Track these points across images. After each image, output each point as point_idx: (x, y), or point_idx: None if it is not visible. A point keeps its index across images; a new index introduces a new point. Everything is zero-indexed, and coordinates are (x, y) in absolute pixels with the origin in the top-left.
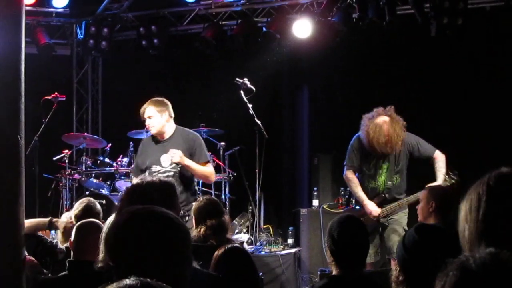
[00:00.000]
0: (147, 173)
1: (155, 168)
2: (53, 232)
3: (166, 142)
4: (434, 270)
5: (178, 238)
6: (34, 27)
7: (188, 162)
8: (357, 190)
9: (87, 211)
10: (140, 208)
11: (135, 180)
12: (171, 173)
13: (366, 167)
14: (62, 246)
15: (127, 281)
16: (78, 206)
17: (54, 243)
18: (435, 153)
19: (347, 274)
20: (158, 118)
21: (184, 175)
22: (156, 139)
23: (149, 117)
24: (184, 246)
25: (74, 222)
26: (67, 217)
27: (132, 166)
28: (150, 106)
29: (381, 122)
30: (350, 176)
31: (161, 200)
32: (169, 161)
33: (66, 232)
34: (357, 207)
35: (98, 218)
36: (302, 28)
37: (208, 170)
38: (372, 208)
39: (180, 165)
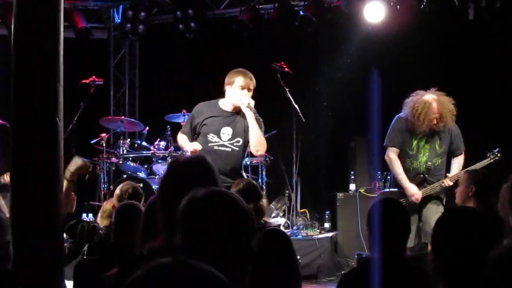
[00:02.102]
0: (201, 139)
1: (212, 138)
2: (88, 215)
3: (233, 117)
4: (464, 254)
5: (249, 221)
6: (72, 11)
7: (255, 115)
8: (399, 172)
9: (133, 193)
10: (214, 189)
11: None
12: (228, 149)
13: (408, 147)
14: (101, 226)
15: (164, 260)
16: (122, 187)
17: (92, 225)
18: (462, 152)
19: (387, 258)
20: (251, 94)
21: (238, 155)
22: (222, 108)
23: (249, 90)
24: (252, 230)
25: (116, 204)
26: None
27: (184, 121)
28: (252, 80)
29: (430, 99)
30: (393, 156)
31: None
32: (229, 135)
33: (105, 213)
34: (392, 189)
35: (141, 201)
36: (375, 12)
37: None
38: (414, 191)
39: (240, 142)
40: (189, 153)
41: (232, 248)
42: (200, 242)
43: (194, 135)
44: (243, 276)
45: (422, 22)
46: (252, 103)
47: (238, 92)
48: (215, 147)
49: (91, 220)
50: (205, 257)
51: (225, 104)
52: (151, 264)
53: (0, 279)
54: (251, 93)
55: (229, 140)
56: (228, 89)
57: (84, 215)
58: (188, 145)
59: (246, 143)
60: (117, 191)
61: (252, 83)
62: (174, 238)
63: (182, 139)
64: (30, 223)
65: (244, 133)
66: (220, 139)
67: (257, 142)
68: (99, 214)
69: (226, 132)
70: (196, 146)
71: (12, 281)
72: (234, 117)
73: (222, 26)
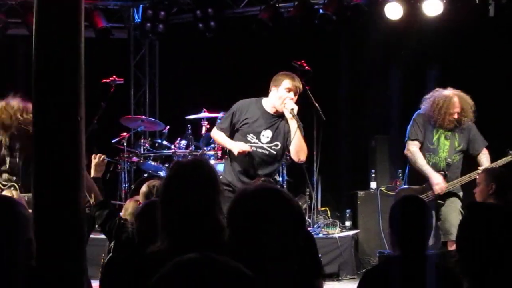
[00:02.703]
0: (239, 137)
1: (251, 138)
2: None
3: (275, 119)
4: (490, 251)
5: (300, 218)
6: (92, 11)
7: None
8: (423, 163)
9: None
10: (265, 185)
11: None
12: (266, 152)
13: (428, 141)
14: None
15: (191, 255)
16: (149, 184)
17: (122, 222)
18: (484, 147)
19: (409, 255)
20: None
21: (275, 159)
22: (266, 109)
23: (296, 94)
24: (301, 228)
25: (142, 201)
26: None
27: (221, 115)
28: (300, 82)
29: (451, 94)
30: (415, 149)
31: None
32: (269, 138)
33: (127, 211)
34: (412, 186)
35: None
36: (394, 10)
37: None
38: (439, 180)
39: (278, 146)
40: (235, 151)
41: (281, 245)
42: (248, 238)
43: (232, 132)
44: (289, 274)
45: (443, 20)
46: (296, 109)
47: (284, 94)
48: (253, 148)
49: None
50: (252, 254)
51: (268, 105)
52: (178, 259)
53: (25, 275)
54: (296, 98)
55: (268, 143)
56: (273, 90)
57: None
58: (232, 144)
59: (284, 148)
60: (144, 188)
61: (299, 87)
62: (174, 240)
63: (220, 136)
64: (52, 221)
65: (283, 138)
66: (260, 141)
67: (300, 149)
68: (122, 213)
69: (266, 134)
70: (245, 147)
71: (36, 277)
72: (276, 120)
73: (241, 25)
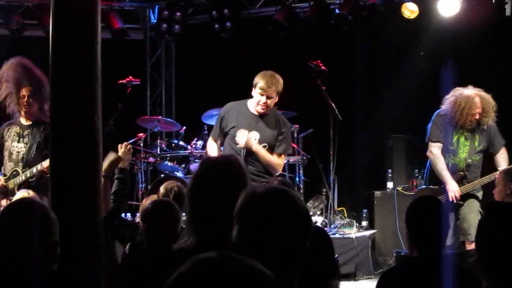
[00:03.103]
0: (228, 141)
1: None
2: (126, 215)
3: (261, 120)
4: (507, 249)
5: (306, 220)
6: (108, 12)
7: (256, 147)
8: (443, 168)
9: (178, 192)
10: (274, 186)
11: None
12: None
13: (448, 142)
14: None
15: (209, 253)
16: (167, 186)
17: (134, 225)
18: (503, 147)
19: (427, 255)
20: (273, 99)
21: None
22: (251, 111)
23: (269, 97)
24: (308, 230)
25: None
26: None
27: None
28: (273, 86)
29: (473, 94)
30: (437, 152)
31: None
32: (256, 140)
33: None
34: (430, 186)
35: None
36: (449, 5)
37: (277, 161)
38: (455, 188)
39: (266, 147)
40: None
41: (287, 246)
42: (256, 238)
43: (223, 136)
44: (293, 275)
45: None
46: (242, 141)
47: (257, 97)
48: (242, 150)
49: (129, 219)
50: (259, 254)
51: (252, 106)
52: (196, 258)
53: (48, 278)
54: (273, 99)
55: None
56: (253, 92)
57: (122, 214)
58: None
59: (273, 148)
60: (162, 189)
61: (273, 90)
62: (202, 235)
63: (211, 148)
64: (70, 222)
65: (271, 139)
66: None
67: (268, 168)
68: (140, 213)
69: (253, 136)
70: (242, 138)
71: (57, 281)
72: (261, 120)
73: (257, 25)
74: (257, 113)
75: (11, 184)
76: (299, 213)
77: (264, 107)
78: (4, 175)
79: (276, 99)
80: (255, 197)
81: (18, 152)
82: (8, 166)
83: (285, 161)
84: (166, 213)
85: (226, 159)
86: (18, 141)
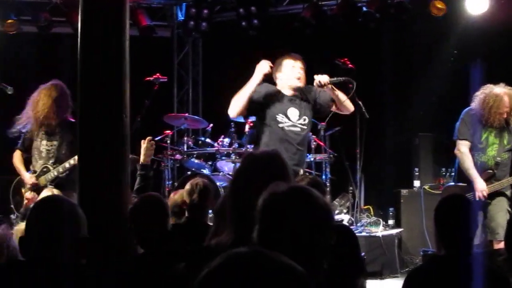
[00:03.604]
0: (270, 121)
1: (281, 118)
2: None
3: (294, 98)
4: None
5: (328, 219)
6: (135, 9)
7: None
8: (470, 166)
9: (203, 188)
10: (295, 185)
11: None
12: (298, 129)
13: (477, 140)
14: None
15: (241, 249)
16: (193, 182)
17: None
18: None
19: (455, 254)
20: (303, 74)
21: (306, 137)
22: (284, 92)
23: (302, 68)
24: (329, 228)
25: (187, 199)
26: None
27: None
28: (299, 56)
29: (502, 93)
30: (465, 150)
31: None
32: (297, 116)
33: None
34: (458, 183)
35: (211, 196)
36: (477, 3)
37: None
38: (483, 186)
39: (306, 121)
40: (261, 74)
41: (309, 245)
42: (278, 237)
43: (261, 122)
44: (317, 273)
45: (487, 16)
46: (325, 79)
47: (292, 72)
48: (286, 128)
49: None
50: (279, 252)
51: (284, 88)
52: (228, 253)
53: (76, 273)
54: (303, 72)
55: (298, 119)
56: (279, 76)
57: None
58: (255, 75)
59: (311, 122)
60: (187, 186)
61: (302, 62)
62: (242, 232)
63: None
64: (97, 219)
65: (309, 111)
66: (289, 119)
67: (345, 105)
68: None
69: (293, 112)
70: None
71: (87, 275)
72: (295, 98)
73: (284, 23)
74: (289, 95)
75: (43, 180)
76: (319, 212)
77: (299, 78)
78: (34, 171)
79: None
80: (276, 196)
81: (48, 150)
82: (38, 164)
83: (312, 159)
84: (155, 208)
85: (269, 154)
86: (48, 140)
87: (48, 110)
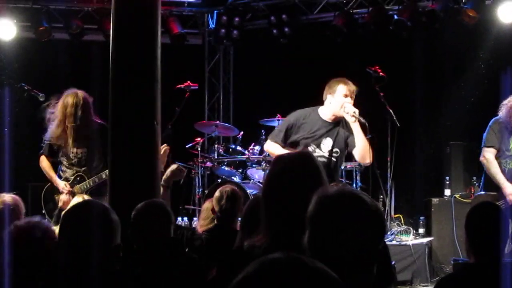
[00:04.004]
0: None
1: (312, 149)
2: (183, 219)
3: (333, 126)
4: None
5: (380, 224)
6: (167, 17)
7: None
8: (497, 171)
9: (231, 195)
10: (345, 189)
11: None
12: (325, 160)
13: (505, 147)
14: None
15: (275, 255)
16: (222, 189)
17: (191, 231)
18: None
19: (485, 263)
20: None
21: (336, 165)
22: (323, 118)
23: (352, 98)
24: (381, 233)
25: (216, 207)
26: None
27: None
28: (355, 88)
29: None
30: (490, 157)
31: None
32: (329, 147)
33: (204, 213)
34: (488, 192)
35: (240, 203)
36: (508, 12)
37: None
38: (511, 191)
39: (338, 153)
40: None
41: (361, 249)
42: (329, 243)
43: (288, 143)
44: (368, 278)
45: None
46: (357, 112)
47: (341, 100)
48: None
49: (186, 224)
50: (332, 258)
51: (325, 113)
52: (263, 259)
53: (112, 279)
54: (353, 101)
55: (329, 151)
56: (329, 98)
57: (179, 218)
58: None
59: (344, 153)
60: (217, 193)
61: (354, 91)
62: (274, 234)
63: (274, 147)
64: (128, 225)
65: (344, 145)
66: (321, 150)
67: (365, 152)
68: (201, 215)
69: (327, 143)
70: None
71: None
72: (334, 127)
73: (316, 31)
74: (329, 121)
75: (78, 189)
76: (372, 217)
77: (349, 108)
78: (66, 178)
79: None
80: (328, 201)
81: (79, 157)
82: (69, 171)
83: (342, 167)
84: (157, 214)
85: (301, 155)
86: (77, 147)
87: (75, 117)
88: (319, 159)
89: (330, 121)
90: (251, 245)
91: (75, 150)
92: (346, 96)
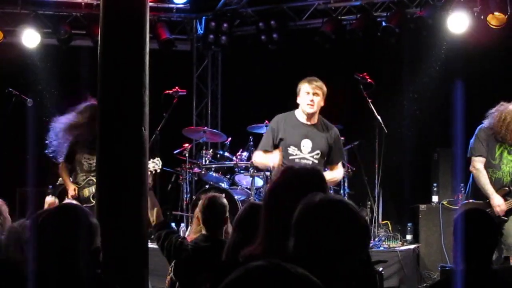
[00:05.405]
0: (280, 153)
1: (293, 151)
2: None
3: (311, 128)
4: None
5: (364, 231)
6: (155, 23)
7: None
8: (485, 182)
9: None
10: (332, 196)
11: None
12: (309, 162)
13: (491, 156)
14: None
15: (258, 263)
16: (206, 197)
17: (179, 240)
18: None
19: (474, 269)
20: (320, 98)
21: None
22: (300, 120)
23: (315, 94)
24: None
25: (199, 215)
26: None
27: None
28: (316, 83)
29: None
30: (480, 167)
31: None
32: (309, 148)
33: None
34: (474, 200)
35: (226, 211)
36: (458, 23)
37: (336, 174)
38: (500, 202)
39: (319, 155)
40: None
41: (344, 257)
42: (313, 248)
43: (273, 149)
44: (349, 285)
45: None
46: (308, 145)
47: (304, 98)
48: (296, 160)
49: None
50: (316, 264)
51: (300, 114)
52: (245, 267)
53: (92, 283)
54: (320, 98)
55: (309, 152)
56: (298, 99)
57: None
58: (267, 159)
59: (325, 155)
60: (200, 201)
61: (318, 87)
62: (273, 244)
63: (259, 158)
64: (116, 230)
65: (324, 146)
66: (301, 151)
67: (330, 183)
68: (194, 222)
69: (306, 144)
70: (275, 159)
71: (101, 284)
72: (312, 128)
73: (304, 37)
74: (306, 122)
75: (86, 192)
76: (356, 225)
77: (312, 104)
78: (76, 183)
79: (322, 101)
80: (312, 208)
81: (90, 164)
82: (80, 176)
83: None
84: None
85: (309, 169)
86: (90, 153)
87: (88, 129)
88: (301, 161)
89: (307, 122)
90: (247, 255)
91: (87, 156)
92: (308, 93)
